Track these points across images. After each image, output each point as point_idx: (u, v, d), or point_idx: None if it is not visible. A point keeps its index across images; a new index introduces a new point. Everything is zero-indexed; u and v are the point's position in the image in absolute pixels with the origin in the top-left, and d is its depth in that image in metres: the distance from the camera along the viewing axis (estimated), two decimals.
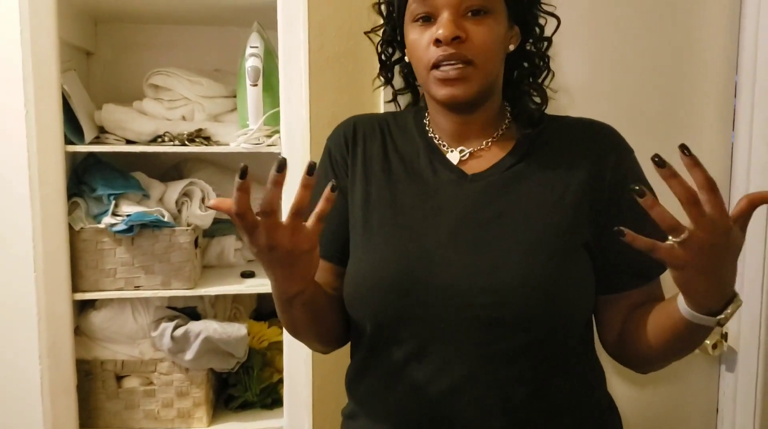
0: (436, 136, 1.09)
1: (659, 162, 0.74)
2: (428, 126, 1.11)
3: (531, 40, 1.08)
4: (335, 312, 1.08)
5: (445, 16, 0.96)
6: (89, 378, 1.71)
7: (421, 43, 0.99)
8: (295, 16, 1.53)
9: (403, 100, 1.22)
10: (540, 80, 1.09)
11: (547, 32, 1.10)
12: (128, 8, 1.77)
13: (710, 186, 0.74)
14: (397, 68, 1.16)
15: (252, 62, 1.61)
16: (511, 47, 1.04)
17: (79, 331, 1.71)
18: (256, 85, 1.61)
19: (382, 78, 1.17)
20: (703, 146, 1.66)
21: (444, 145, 1.08)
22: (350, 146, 1.11)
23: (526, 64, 1.09)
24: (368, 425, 1.07)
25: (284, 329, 1.62)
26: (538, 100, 1.08)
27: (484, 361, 0.97)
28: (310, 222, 0.86)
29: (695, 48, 1.64)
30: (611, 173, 1.01)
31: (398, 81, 1.19)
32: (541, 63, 1.09)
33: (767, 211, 1.60)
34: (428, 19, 0.99)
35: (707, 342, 1.64)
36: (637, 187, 0.76)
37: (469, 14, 0.97)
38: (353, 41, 1.56)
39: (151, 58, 1.91)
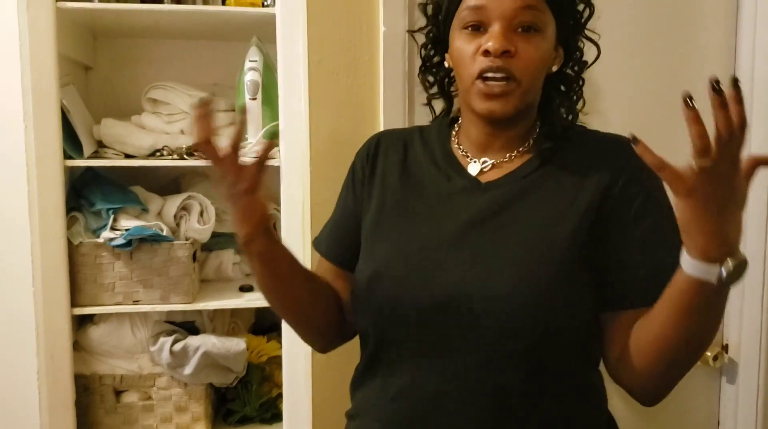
0: (461, 146, 1.10)
1: (688, 102, 0.74)
2: (455, 135, 1.12)
3: (571, 63, 1.08)
4: (317, 297, 1.14)
5: (496, 28, 0.96)
6: (87, 393, 1.70)
7: (468, 51, 0.99)
8: (294, 30, 1.54)
9: (438, 104, 1.21)
10: (574, 102, 1.10)
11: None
12: (127, 23, 1.77)
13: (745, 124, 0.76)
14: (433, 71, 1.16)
15: (251, 76, 1.61)
16: (554, 68, 1.05)
17: (77, 346, 1.70)
18: (255, 99, 1.61)
19: (422, 81, 1.17)
20: None
21: (467, 156, 1.09)
22: (371, 159, 1.15)
23: (563, 87, 1.09)
24: (365, 425, 1.09)
25: (282, 343, 1.63)
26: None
27: (473, 367, 0.97)
28: (250, 162, 0.95)
29: (692, 58, 1.65)
30: (620, 190, 0.99)
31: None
32: (576, 86, 1.09)
33: (764, 227, 1.61)
34: (478, 29, 0.98)
35: (708, 354, 1.64)
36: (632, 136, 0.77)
37: (520, 30, 0.97)
38: (352, 55, 1.56)
39: (149, 72, 1.92)
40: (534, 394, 0.98)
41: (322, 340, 1.21)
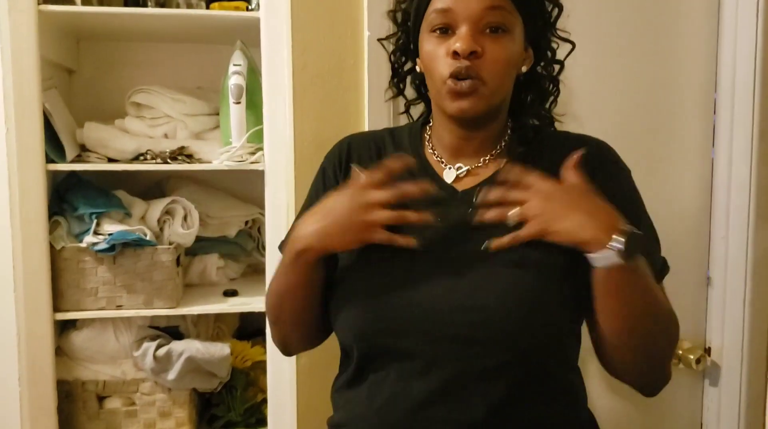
0: (435, 151, 1.10)
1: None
2: (429, 140, 1.12)
3: (542, 63, 1.08)
4: (315, 306, 1.10)
5: (464, 29, 0.97)
6: (70, 399, 1.69)
7: (438, 54, 0.99)
8: (279, 34, 1.54)
9: (415, 110, 1.21)
10: (548, 104, 1.11)
11: (560, 57, 1.11)
12: (110, 26, 1.77)
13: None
14: (408, 78, 1.16)
15: (235, 80, 1.61)
16: (524, 69, 1.05)
17: (59, 352, 1.69)
18: (239, 102, 1.61)
19: (393, 88, 1.17)
20: (684, 163, 1.67)
21: (442, 161, 1.09)
22: (344, 165, 1.13)
23: (534, 87, 1.10)
24: None
25: (266, 348, 1.62)
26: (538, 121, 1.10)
27: (462, 378, 0.97)
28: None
29: (675, 67, 1.66)
30: (597, 191, 0.98)
31: (409, 91, 1.19)
32: (551, 86, 1.10)
33: (746, 232, 1.62)
34: (446, 31, 0.99)
35: (690, 357, 1.64)
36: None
37: (488, 30, 0.98)
38: (337, 59, 1.56)
39: (133, 76, 1.91)
40: (518, 399, 0.98)
41: (305, 341, 1.18)
